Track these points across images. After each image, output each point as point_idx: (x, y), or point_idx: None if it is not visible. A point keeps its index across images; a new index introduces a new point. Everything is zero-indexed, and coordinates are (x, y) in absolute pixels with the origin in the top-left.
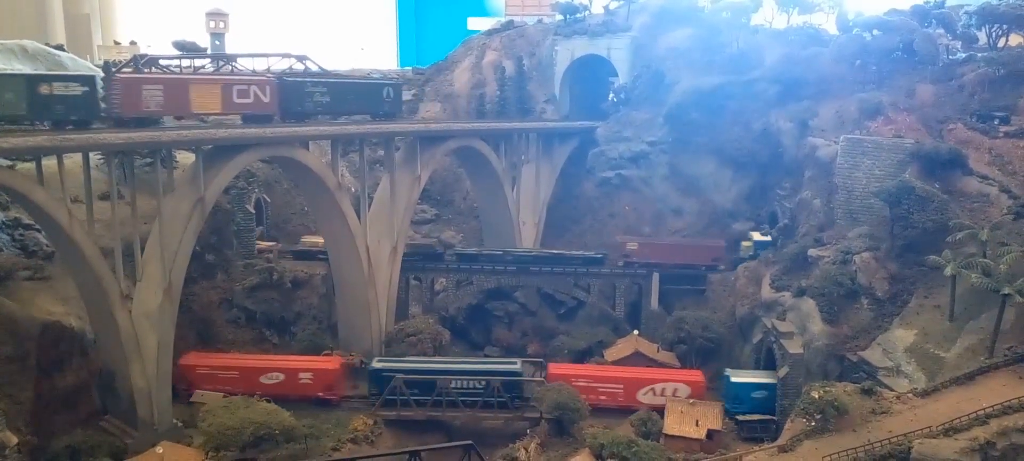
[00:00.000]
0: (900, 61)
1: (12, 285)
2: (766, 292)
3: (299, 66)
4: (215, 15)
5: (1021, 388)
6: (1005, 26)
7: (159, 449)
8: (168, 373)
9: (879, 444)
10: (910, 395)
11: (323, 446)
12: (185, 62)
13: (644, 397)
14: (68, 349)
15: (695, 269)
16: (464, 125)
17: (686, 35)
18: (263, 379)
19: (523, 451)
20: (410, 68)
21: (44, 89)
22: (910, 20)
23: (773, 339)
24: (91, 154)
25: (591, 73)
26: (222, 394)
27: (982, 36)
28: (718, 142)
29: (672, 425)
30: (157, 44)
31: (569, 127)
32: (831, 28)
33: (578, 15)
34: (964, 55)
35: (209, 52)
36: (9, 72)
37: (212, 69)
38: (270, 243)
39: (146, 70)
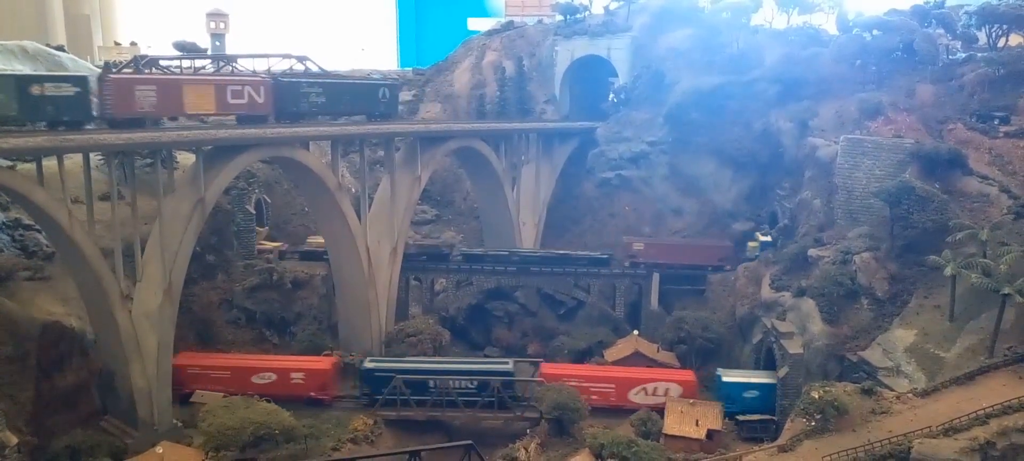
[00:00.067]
0: (900, 61)
1: (12, 285)
2: (766, 292)
3: (299, 67)
4: (215, 16)
5: (1021, 388)
6: (1005, 26)
7: (159, 449)
8: (168, 373)
9: (879, 444)
10: (910, 395)
11: (323, 446)
12: (185, 63)
13: (636, 397)
14: (68, 349)
15: (699, 269)
16: (464, 125)
17: (686, 35)
18: (255, 379)
19: (523, 451)
20: (410, 69)
21: (35, 90)
22: (910, 20)
23: (773, 339)
24: (91, 155)
25: (591, 73)
26: (222, 394)
27: (982, 36)
28: (718, 142)
29: (672, 425)
30: (157, 45)
31: (569, 127)
32: (831, 28)
33: (578, 15)
34: (964, 55)
35: (209, 53)
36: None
37: (212, 70)
38: (276, 243)
39: (146, 71)
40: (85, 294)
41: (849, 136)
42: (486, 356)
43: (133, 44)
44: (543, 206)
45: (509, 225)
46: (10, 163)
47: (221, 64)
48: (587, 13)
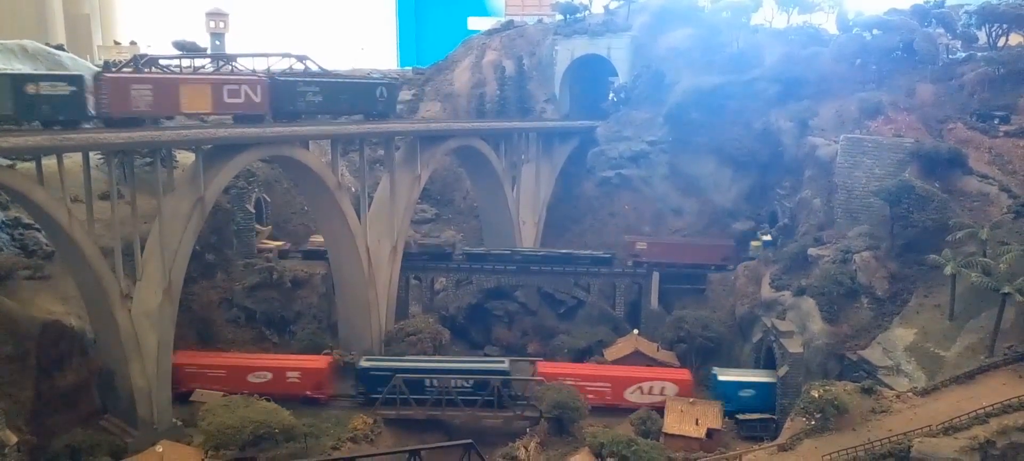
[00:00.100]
0: (900, 60)
1: (12, 284)
2: (766, 291)
3: (299, 66)
4: (215, 15)
5: (1021, 387)
6: (1005, 25)
7: (159, 448)
8: (168, 372)
9: (879, 443)
10: (910, 394)
11: (323, 445)
12: (185, 62)
13: (632, 396)
14: (68, 348)
15: (701, 269)
16: (464, 125)
17: (686, 35)
18: (251, 378)
19: (523, 450)
20: (410, 68)
21: (30, 89)
22: (910, 19)
23: (773, 338)
24: (91, 154)
25: (591, 73)
26: (222, 393)
27: (982, 35)
28: (718, 142)
29: (672, 424)
30: (157, 44)
31: (569, 127)
32: (831, 28)
33: (578, 15)
34: (964, 54)
35: (209, 52)
36: None
37: (212, 69)
38: (279, 242)
39: (146, 70)
40: (85, 293)
41: (849, 135)
42: (486, 355)
43: (133, 43)
44: (543, 205)
45: (509, 224)
46: (10, 162)
47: (221, 63)
48: (587, 12)
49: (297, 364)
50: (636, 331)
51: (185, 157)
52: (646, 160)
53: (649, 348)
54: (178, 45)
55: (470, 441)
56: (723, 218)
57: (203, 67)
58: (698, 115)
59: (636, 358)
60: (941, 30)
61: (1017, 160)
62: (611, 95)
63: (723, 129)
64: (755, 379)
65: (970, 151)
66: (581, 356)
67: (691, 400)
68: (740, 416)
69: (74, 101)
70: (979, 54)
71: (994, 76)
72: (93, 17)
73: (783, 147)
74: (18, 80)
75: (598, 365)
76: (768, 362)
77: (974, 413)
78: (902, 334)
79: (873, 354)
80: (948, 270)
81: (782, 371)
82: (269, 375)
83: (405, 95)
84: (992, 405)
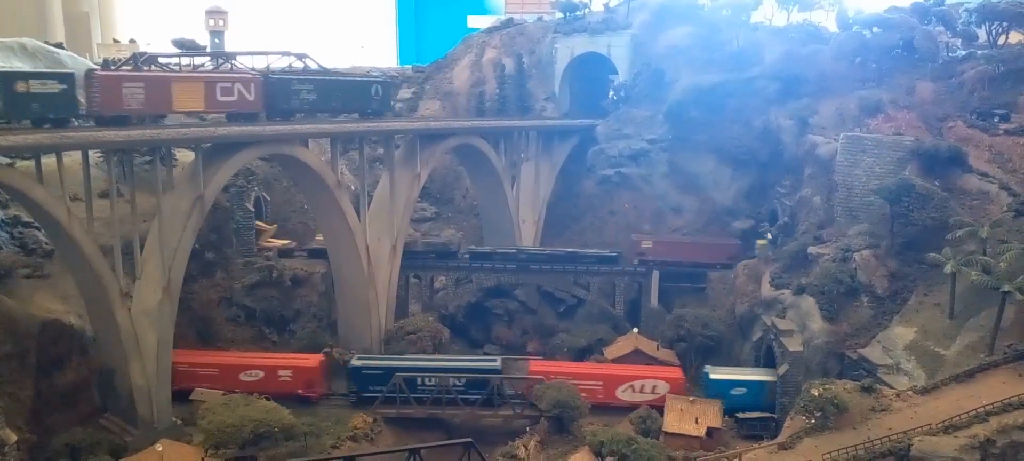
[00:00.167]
0: (900, 58)
1: (11, 283)
2: (766, 290)
3: (298, 64)
4: (214, 13)
5: (1021, 386)
6: (1005, 23)
7: (159, 447)
8: (168, 371)
9: (879, 442)
10: (910, 393)
11: (323, 443)
12: (184, 60)
13: (624, 394)
14: (67, 347)
15: (705, 267)
16: (464, 123)
17: (686, 33)
18: (243, 376)
19: (522, 449)
20: (410, 66)
21: (21, 87)
22: (910, 17)
23: (773, 337)
24: (90, 152)
25: (591, 71)
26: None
27: (982, 33)
28: (718, 140)
29: (672, 423)
30: (157, 42)
31: (569, 125)
32: (831, 26)
33: (578, 13)
34: (964, 52)
35: (208, 50)
36: None
37: (211, 67)
38: (284, 240)
39: (145, 68)
40: (84, 292)
41: (849, 133)
42: (485, 354)
43: (132, 41)
44: (543, 204)
45: (509, 223)
46: (9, 160)
47: (219, 62)
48: (587, 10)
49: (289, 363)
50: (636, 330)
51: (184, 155)
52: (646, 158)
53: (649, 347)
54: (177, 43)
55: (470, 440)
56: (723, 217)
57: (202, 65)
58: (698, 113)
59: (636, 357)
60: (941, 28)
61: (1017, 158)
62: (611, 93)
63: (723, 127)
64: (747, 377)
65: (970, 149)
66: (581, 355)
67: (691, 399)
68: (740, 415)
69: (65, 99)
70: (979, 52)
71: (994, 74)
72: (92, 15)
73: (783, 145)
74: (8, 78)
75: (591, 364)
76: (768, 361)
77: (974, 412)
78: (902, 333)
79: (873, 353)
80: (948, 268)
81: (782, 370)
82: (261, 373)
83: (405, 93)
84: (992, 404)
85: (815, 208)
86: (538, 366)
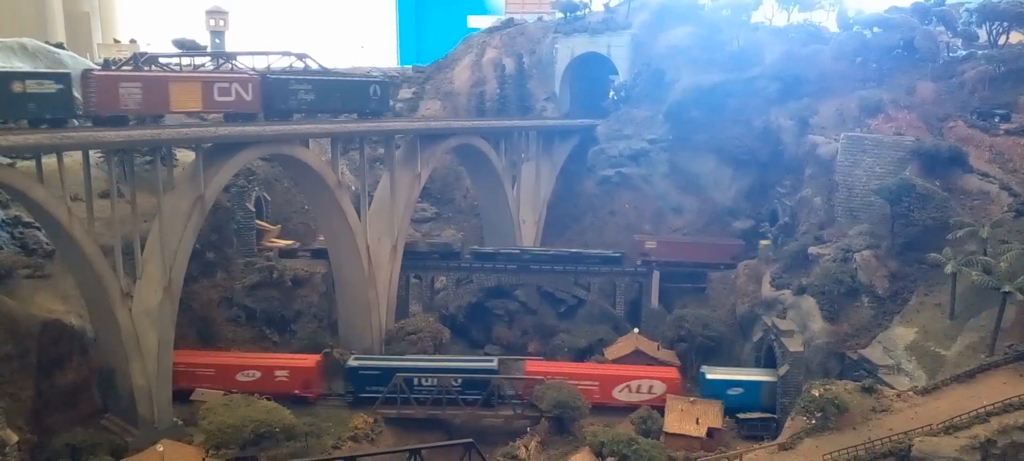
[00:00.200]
0: (901, 58)
1: (12, 283)
2: (766, 290)
3: (299, 64)
4: (215, 13)
5: (1022, 386)
6: (1005, 23)
7: (159, 447)
8: (168, 371)
9: (879, 442)
10: (910, 393)
11: (324, 444)
12: (185, 60)
13: (620, 394)
14: (68, 347)
15: (706, 268)
16: (464, 123)
17: (686, 33)
18: (239, 376)
19: (523, 449)
20: (410, 66)
21: (17, 87)
22: (911, 17)
23: (773, 337)
24: (91, 152)
25: (591, 71)
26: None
27: (982, 33)
28: (718, 140)
29: (672, 423)
30: (157, 42)
31: (569, 125)
32: (831, 26)
33: (578, 13)
34: (965, 52)
35: (209, 50)
36: None
37: (211, 67)
38: (288, 241)
39: (146, 68)
40: (85, 292)
41: (849, 134)
42: (486, 354)
43: (132, 41)
44: (543, 204)
45: (509, 223)
46: (9, 160)
47: (220, 62)
48: (587, 10)
49: (286, 363)
50: (636, 330)
51: (185, 155)
52: (646, 158)
53: (649, 347)
54: (177, 43)
55: (470, 440)
56: (723, 217)
57: (203, 65)
58: (698, 113)
59: (636, 357)
60: (942, 28)
61: (1018, 158)
62: (611, 93)
63: (723, 127)
64: (743, 377)
65: (971, 149)
66: (582, 355)
67: (692, 399)
68: (741, 415)
69: (61, 99)
70: (980, 52)
71: (995, 74)
72: (93, 15)
73: (783, 145)
74: (3, 78)
75: (587, 364)
76: (769, 361)
77: (975, 412)
78: (902, 333)
79: (873, 353)
80: (949, 269)
81: (783, 370)
82: (258, 374)
83: (405, 93)
84: (993, 404)
85: (815, 208)
86: (534, 366)
